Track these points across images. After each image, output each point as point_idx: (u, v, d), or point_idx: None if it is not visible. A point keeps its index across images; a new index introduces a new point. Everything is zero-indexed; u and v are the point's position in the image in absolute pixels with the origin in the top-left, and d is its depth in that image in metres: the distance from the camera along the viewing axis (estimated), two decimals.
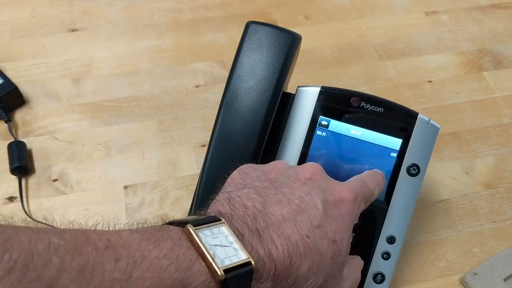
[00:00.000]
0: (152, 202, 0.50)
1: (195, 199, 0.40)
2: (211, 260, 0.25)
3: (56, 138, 0.55)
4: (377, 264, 0.41)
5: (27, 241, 0.21)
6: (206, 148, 0.40)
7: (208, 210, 0.31)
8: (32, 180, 0.51)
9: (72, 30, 0.65)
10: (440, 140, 0.55)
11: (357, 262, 0.37)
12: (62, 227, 0.25)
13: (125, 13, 0.67)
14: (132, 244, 0.23)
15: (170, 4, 0.69)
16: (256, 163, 0.36)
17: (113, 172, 0.52)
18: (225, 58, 0.63)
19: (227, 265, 0.25)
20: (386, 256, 0.41)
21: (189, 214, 0.43)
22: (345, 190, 0.32)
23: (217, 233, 0.26)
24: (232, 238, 0.27)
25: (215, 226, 0.27)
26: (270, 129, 0.40)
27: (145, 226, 0.27)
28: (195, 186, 0.43)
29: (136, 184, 0.52)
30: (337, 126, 0.41)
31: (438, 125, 0.41)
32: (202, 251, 0.25)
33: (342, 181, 0.41)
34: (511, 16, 0.69)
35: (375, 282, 0.41)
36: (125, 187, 0.51)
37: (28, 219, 0.48)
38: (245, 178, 0.33)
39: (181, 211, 0.50)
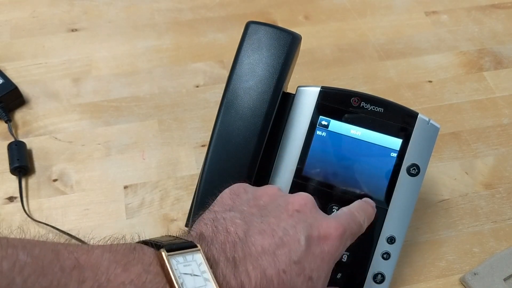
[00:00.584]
0: (152, 202, 0.50)
1: (195, 199, 0.40)
2: None
3: (56, 138, 0.55)
4: (377, 264, 0.41)
5: None
6: (206, 148, 0.40)
7: (192, 228, 0.31)
8: (32, 180, 0.51)
9: (72, 30, 0.65)
10: (440, 140, 0.55)
11: None
12: (37, 238, 0.24)
13: (125, 13, 0.67)
14: (100, 266, 0.23)
15: (170, 4, 0.69)
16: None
17: (113, 172, 0.52)
18: (225, 58, 0.63)
19: None
20: (386, 256, 0.41)
21: (189, 214, 0.43)
22: (332, 226, 0.31)
23: (190, 261, 0.26)
24: (204, 267, 0.26)
25: (189, 253, 0.27)
26: (270, 129, 0.40)
27: (121, 242, 0.27)
28: (195, 186, 0.43)
29: (136, 184, 0.52)
30: (337, 126, 0.41)
31: (438, 125, 0.41)
32: (171, 279, 0.25)
33: (341, 182, 0.41)
34: (511, 16, 0.69)
35: (375, 282, 0.41)
36: (125, 187, 0.51)
37: (28, 219, 0.48)
38: (235, 200, 0.33)
39: (181, 211, 0.50)
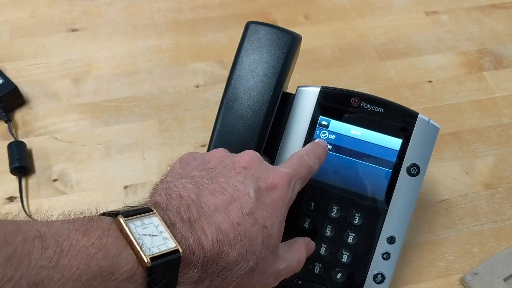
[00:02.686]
0: None
1: None
2: (138, 248, 0.26)
3: (56, 138, 0.55)
4: (377, 264, 0.41)
5: None
6: (206, 148, 0.40)
7: (146, 199, 0.32)
8: (32, 180, 0.51)
9: (72, 30, 0.65)
10: (440, 140, 0.55)
11: (302, 242, 0.38)
12: None
13: (125, 13, 0.67)
14: (61, 234, 0.24)
15: (170, 4, 0.69)
16: None
17: (113, 172, 0.52)
18: (225, 58, 0.63)
19: (154, 253, 0.26)
20: (386, 256, 0.41)
21: None
22: (278, 176, 0.33)
23: (147, 223, 0.28)
24: (162, 227, 0.28)
25: (146, 217, 0.28)
26: (270, 129, 0.40)
27: (84, 216, 0.28)
28: None
29: (136, 184, 0.52)
30: (337, 126, 0.41)
31: (438, 125, 0.41)
32: (131, 240, 0.26)
33: (341, 182, 0.41)
34: (511, 16, 0.69)
35: (375, 282, 0.41)
36: (125, 187, 0.51)
37: (28, 219, 0.48)
38: (185, 168, 0.34)
39: None
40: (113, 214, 0.28)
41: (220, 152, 0.36)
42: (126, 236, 0.26)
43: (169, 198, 0.31)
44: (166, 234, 0.28)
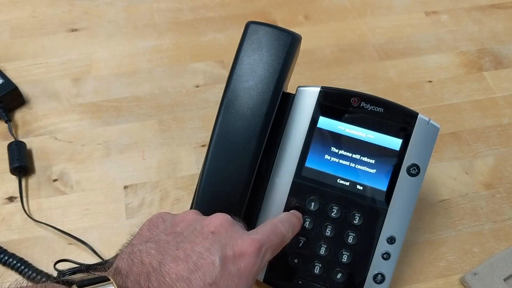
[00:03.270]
0: (152, 202, 0.50)
1: (195, 199, 0.40)
2: None
3: (56, 138, 0.55)
4: (377, 264, 0.41)
5: None
6: (206, 148, 0.40)
7: (110, 262, 0.31)
8: (32, 180, 0.51)
9: (72, 30, 0.65)
10: (440, 140, 0.55)
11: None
12: None
13: (125, 13, 0.67)
14: None
15: (170, 4, 0.69)
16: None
17: (113, 172, 0.52)
18: (225, 58, 0.63)
19: None
20: (386, 256, 0.41)
21: None
22: (247, 243, 0.32)
23: None
24: None
25: (101, 287, 0.27)
26: (270, 129, 0.40)
27: (37, 284, 0.27)
28: (195, 186, 0.43)
29: (136, 184, 0.52)
30: (337, 126, 0.41)
31: (438, 125, 0.41)
32: None
33: (341, 182, 0.41)
34: (511, 16, 0.69)
35: (375, 282, 0.41)
36: (125, 187, 0.51)
37: (28, 219, 0.48)
38: (152, 230, 0.33)
39: (181, 211, 0.50)
40: (68, 283, 0.27)
41: (191, 214, 0.35)
42: None
43: (130, 264, 0.30)
44: None
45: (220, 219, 0.33)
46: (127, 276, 0.29)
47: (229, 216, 0.34)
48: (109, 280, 0.28)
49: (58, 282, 0.28)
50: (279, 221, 0.36)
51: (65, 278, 0.29)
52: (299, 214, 0.40)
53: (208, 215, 0.35)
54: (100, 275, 0.29)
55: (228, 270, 0.30)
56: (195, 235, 0.32)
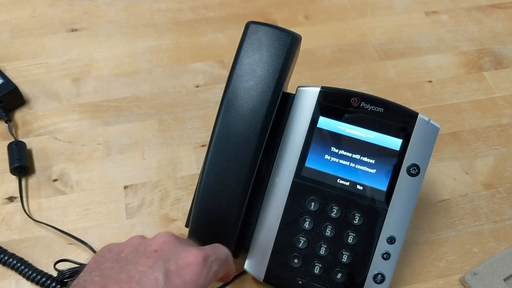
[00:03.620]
0: (152, 202, 0.50)
1: (195, 199, 0.40)
2: None
3: (56, 138, 0.55)
4: (377, 264, 0.41)
5: None
6: (206, 148, 0.40)
7: None
8: (32, 180, 0.51)
9: (72, 30, 0.65)
10: (440, 140, 0.55)
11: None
12: None
13: (125, 13, 0.67)
14: None
15: (170, 4, 0.69)
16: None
17: (113, 172, 0.52)
18: (225, 58, 0.63)
19: None
20: (386, 256, 0.41)
21: (189, 214, 0.43)
22: (191, 255, 0.32)
23: None
24: None
25: None
26: (270, 129, 0.40)
27: None
28: (195, 186, 0.43)
29: (136, 184, 0.52)
30: (337, 126, 0.41)
31: (438, 125, 0.41)
32: None
33: (341, 182, 0.41)
34: (511, 16, 0.69)
35: (375, 282, 0.41)
36: (125, 187, 0.51)
37: (28, 219, 0.48)
38: (98, 261, 0.33)
39: (181, 211, 0.50)
40: None
41: (136, 239, 0.35)
42: None
43: None
44: None
45: (162, 237, 0.33)
46: None
47: (172, 234, 0.34)
48: None
49: None
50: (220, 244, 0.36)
51: None
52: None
53: (208, 215, 0.35)
54: None
55: (173, 284, 0.30)
56: (139, 257, 0.32)
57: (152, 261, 0.31)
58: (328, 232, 0.41)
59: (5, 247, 0.46)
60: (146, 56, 0.63)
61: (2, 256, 0.45)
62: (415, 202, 0.41)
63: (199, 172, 0.41)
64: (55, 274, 0.44)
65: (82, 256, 0.46)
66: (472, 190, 0.52)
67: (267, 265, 0.42)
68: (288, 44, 0.40)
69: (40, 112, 0.57)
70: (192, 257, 0.32)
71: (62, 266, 0.44)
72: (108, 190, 0.51)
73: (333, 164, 0.41)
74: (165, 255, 0.32)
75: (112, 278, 0.30)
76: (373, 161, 0.41)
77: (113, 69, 0.61)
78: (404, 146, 0.40)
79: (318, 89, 0.41)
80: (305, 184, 0.41)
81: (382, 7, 0.70)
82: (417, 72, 0.62)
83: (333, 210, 0.41)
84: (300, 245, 0.41)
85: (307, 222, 0.41)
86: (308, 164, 0.41)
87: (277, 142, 0.42)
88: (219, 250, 0.35)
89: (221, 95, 0.40)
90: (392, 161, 0.41)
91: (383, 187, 0.41)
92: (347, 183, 0.41)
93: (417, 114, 0.41)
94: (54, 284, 0.44)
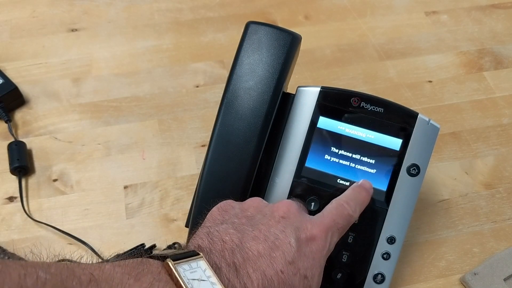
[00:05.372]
0: (152, 202, 0.50)
1: (195, 199, 0.40)
2: None
3: (56, 138, 0.55)
4: (377, 264, 0.41)
5: (17, 276, 0.22)
6: (206, 148, 0.40)
7: (188, 244, 0.32)
8: (32, 180, 0.51)
9: (72, 30, 0.65)
10: (440, 140, 0.55)
11: None
12: (48, 261, 0.26)
13: (125, 13, 0.67)
14: (114, 278, 0.25)
15: (170, 4, 0.69)
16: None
17: (113, 172, 0.52)
18: (225, 58, 0.63)
19: None
20: (386, 256, 0.41)
21: (189, 214, 0.43)
22: (315, 227, 0.33)
23: (195, 267, 0.28)
24: (209, 272, 0.28)
25: (193, 261, 0.28)
26: (270, 129, 0.40)
27: (132, 259, 0.28)
28: (195, 186, 0.43)
29: (136, 184, 0.52)
30: (337, 126, 0.41)
31: (438, 125, 0.41)
32: (181, 285, 0.26)
33: (341, 182, 0.41)
34: (511, 16, 0.69)
35: (375, 282, 0.41)
36: (125, 187, 0.51)
37: (28, 219, 0.48)
38: (224, 215, 0.35)
39: (181, 211, 0.50)
40: (162, 257, 0.28)
41: (257, 201, 0.36)
42: (176, 281, 0.27)
43: (211, 242, 0.31)
44: (214, 279, 0.28)
45: (287, 205, 0.35)
46: (211, 252, 0.30)
47: (294, 202, 0.35)
48: (199, 254, 0.29)
49: (151, 257, 0.29)
50: (345, 201, 0.37)
51: (157, 253, 0.29)
52: (368, 185, 0.39)
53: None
54: (189, 249, 0.30)
55: (303, 252, 0.32)
56: (267, 219, 0.33)
57: (282, 226, 0.33)
58: None
59: (5, 247, 0.46)
60: (146, 56, 0.63)
61: (2, 256, 0.45)
62: (415, 202, 0.41)
63: (199, 172, 0.41)
64: None
65: (82, 256, 0.46)
66: (472, 190, 0.52)
67: None
68: (288, 44, 0.40)
69: (40, 112, 0.57)
70: (317, 230, 0.33)
71: None
72: (108, 190, 0.51)
73: (333, 164, 0.41)
74: (294, 223, 0.33)
75: (247, 233, 0.32)
76: (373, 161, 0.41)
77: (113, 69, 0.61)
78: (404, 146, 0.40)
79: (318, 89, 0.41)
80: (305, 184, 0.41)
81: (382, 7, 0.70)
82: (417, 72, 0.62)
83: None
84: None
85: None
86: (308, 164, 0.41)
87: (277, 142, 0.42)
88: (340, 219, 0.35)
89: (221, 95, 0.40)
90: (392, 161, 0.41)
91: (383, 187, 0.41)
92: (347, 183, 0.41)
93: (417, 114, 0.41)
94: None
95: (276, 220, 0.33)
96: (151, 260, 0.28)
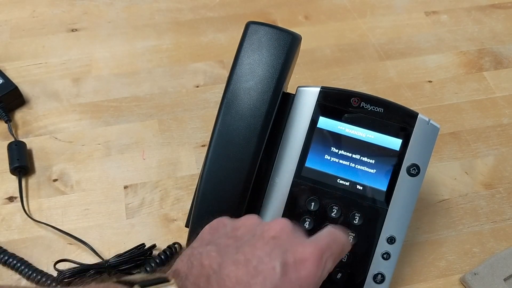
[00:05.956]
0: (152, 202, 0.50)
1: (195, 199, 0.40)
2: None
3: (56, 138, 0.55)
4: (377, 264, 0.41)
5: None
6: (206, 148, 0.40)
7: (169, 266, 0.31)
8: (32, 180, 0.51)
9: (72, 30, 0.65)
10: (440, 140, 0.55)
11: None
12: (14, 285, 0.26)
13: (125, 13, 0.67)
14: None
15: (170, 4, 0.69)
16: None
17: (113, 172, 0.52)
18: (225, 58, 0.63)
19: None
20: (386, 256, 0.41)
21: (189, 214, 0.43)
22: (308, 250, 0.31)
23: None
24: None
25: (162, 287, 0.27)
26: (270, 129, 0.40)
27: (98, 284, 0.27)
28: (195, 186, 0.43)
29: (136, 184, 0.52)
30: (337, 126, 0.41)
31: (438, 125, 0.41)
32: None
33: (341, 182, 0.41)
34: (511, 16, 0.69)
35: (375, 282, 0.41)
36: (125, 187, 0.51)
37: (28, 219, 0.48)
38: (213, 234, 0.33)
39: (181, 211, 0.50)
40: (129, 283, 0.27)
41: (251, 219, 0.34)
42: None
43: (190, 267, 0.30)
44: None
45: (280, 224, 0.32)
46: (187, 278, 0.29)
47: (289, 222, 0.33)
48: (169, 281, 0.28)
49: (119, 283, 0.28)
50: (337, 229, 0.35)
51: (126, 278, 0.28)
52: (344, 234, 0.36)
53: (209, 215, 0.35)
54: (161, 276, 0.29)
55: (289, 278, 0.29)
56: (256, 240, 0.31)
57: (269, 248, 0.30)
58: None
59: (5, 247, 0.46)
60: (146, 56, 0.63)
61: (2, 256, 0.45)
62: (415, 202, 0.41)
63: (199, 172, 0.41)
64: (55, 274, 0.44)
65: (82, 256, 0.46)
66: (472, 190, 0.52)
67: None
68: (288, 44, 0.40)
69: (40, 112, 0.57)
70: (308, 253, 0.30)
71: (62, 266, 0.44)
72: (108, 190, 0.51)
73: (333, 164, 0.41)
74: (283, 245, 0.31)
75: (229, 257, 0.30)
76: (373, 161, 0.41)
77: (113, 69, 0.61)
78: (404, 146, 0.40)
79: (318, 89, 0.41)
80: (305, 184, 0.41)
81: (382, 7, 0.70)
82: (417, 72, 0.62)
83: (333, 210, 0.41)
84: None
85: (307, 222, 0.41)
86: (308, 164, 0.41)
87: (277, 142, 0.42)
88: (335, 243, 0.33)
89: (221, 95, 0.40)
90: (392, 161, 0.41)
91: (383, 187, 0.41)
92: (347, 183, 0.41)
93: (417, 114, 0.41)
94: (54, 284, 0.44)
95: (265, 242, 0.31)
96: (118, 285, 0.27)
